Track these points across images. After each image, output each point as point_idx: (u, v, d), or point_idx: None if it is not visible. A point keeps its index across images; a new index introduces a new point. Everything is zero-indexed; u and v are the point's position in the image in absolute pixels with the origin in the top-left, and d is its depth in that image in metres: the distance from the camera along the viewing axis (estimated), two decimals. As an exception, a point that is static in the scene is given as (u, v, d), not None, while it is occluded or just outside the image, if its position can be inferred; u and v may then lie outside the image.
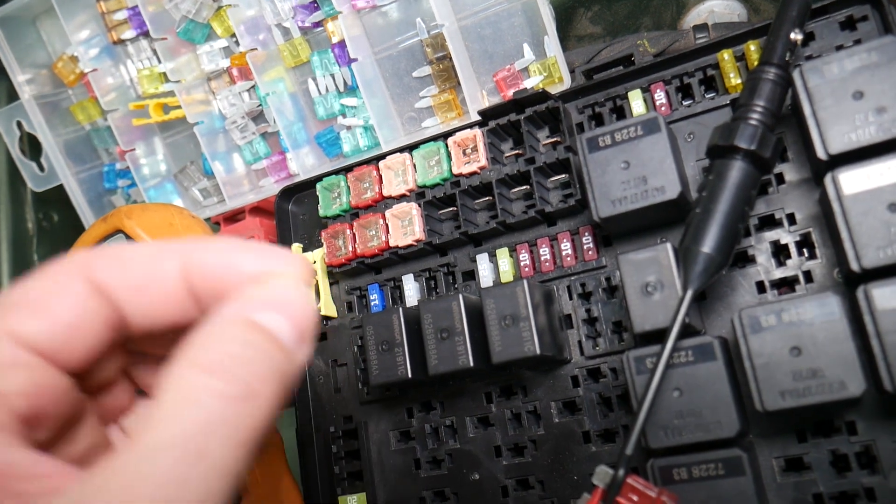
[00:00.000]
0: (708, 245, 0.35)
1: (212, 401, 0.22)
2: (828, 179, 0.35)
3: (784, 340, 0.34)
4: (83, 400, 0.28)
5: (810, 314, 0.34)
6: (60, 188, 0.63)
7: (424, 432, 0.47)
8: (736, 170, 0.36)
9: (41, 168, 0.61)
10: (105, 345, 0.26)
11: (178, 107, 0.58)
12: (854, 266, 0.34)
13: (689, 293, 0.35)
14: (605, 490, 0.33)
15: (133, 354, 0.30)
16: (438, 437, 0.47)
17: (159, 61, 0.58)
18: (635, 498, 0.33)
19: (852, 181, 0.34)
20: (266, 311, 0.24)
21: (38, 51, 0.61)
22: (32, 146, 0.63)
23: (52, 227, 0.65)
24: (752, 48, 0.41)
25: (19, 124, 0.61)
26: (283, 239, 0.53)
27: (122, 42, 0.59)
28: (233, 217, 0.59)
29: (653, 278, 0.37)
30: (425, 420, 0.47)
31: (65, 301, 0.25)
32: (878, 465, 0.36)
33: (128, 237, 0.48)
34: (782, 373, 0.34)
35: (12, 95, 0.66)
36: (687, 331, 0.37)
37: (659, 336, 0.36)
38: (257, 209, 0.58)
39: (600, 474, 0.34)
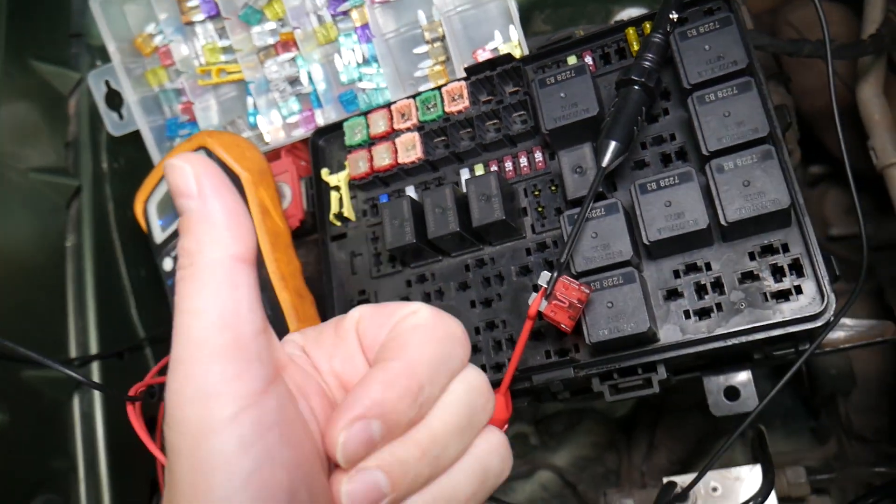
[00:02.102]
0: (613, 137, 0.55)
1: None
2: (689, 99, 0.55)
3: (661, 198, 0.54)
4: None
5: (677, 180, 0.54)
6: (127, 139, 0.81)
7: (419, 296, 0.65)
8: (632, 93, 0.56)
9: (121, 117, 0.79)
10: None
11: (232, 73, 0.77)
12: (703, 150, 0.54)
13: (602, 169, 0.54)
14: (546, 287, 0.52)
15: None
16: (429, 299, 0.65)
17: (219, 38, 0.77)
18: (564, 289, 0.52)
19: (703, 99, 0.55)
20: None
21: (122, 28, 0.79)
22: (108, 101, 0.80)
23: (121, 168, 0.82)
24: (648, 26, 0.62)
25: (106, 83, 0.79)
26: (316, 165, 0.71)
27: (191, 23, 0.78)
28: (271, 158, 0.77)
29: (580, 164, 0.57)
30: (420, 288, 0.65)
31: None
32: (724, 288, 0.55)
33: (208, 151, 0.66)
34: (660, 217, 0.54)
35: (90, 65, 0.84)
36: (600, 197, 0.57)
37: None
38: (290, 151, 0.77)
39: (544, 277, 0.52)
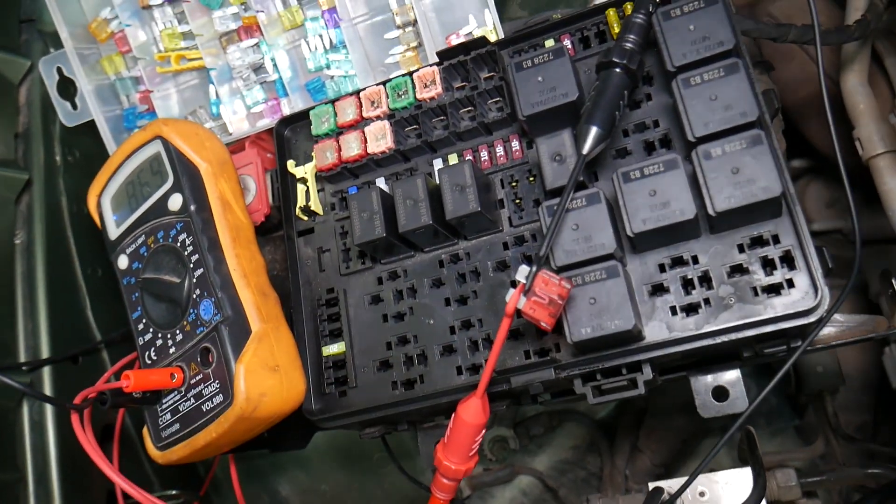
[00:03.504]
0: (594, 122, 0.51)
1: None
2: (674, 82, 0.52)
3: (646, 186, 0.51)
4: None
5: (662, 168, 0.51)
6: (82, 129, 0.76)
7: (391, 294, 0.61)
8: (613, 76, 0.53)
9: (74, 107, 0.75)
10: None
11: (193, 59, 0.73)
12: (689, 136, 0.51)
13: (582, 156, 0.51)
14: (524, 282, 0.48)
15: None
16: (402, 297, 0.61)
17: (179, 23, 0.73)
18: (544, 285, 0.48)
19: (688, 82, 0.52)
20: None
21: (75, 12, 0.75)
22: (62, 90, 0.76)
23: (76, 161, 0.77)
24: (629, 7, 0.59)
25: (59, 70, 0.74)
26: (281, 156, 0.67)
27: (149, 7, 0.73)
28: (235, 150, 0.73)
29: (559, 151, 0.54)
30: (392, 286, 0.62)
31: None
32: (712, 283, 0.52)
33: (164, 140, 0.62)
34: (644, 207, 0.50)
35: (42, 51, 0.79)
36: (581, 186, 0.54)
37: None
38: (255, 142, 0.73)
39: (522, 271, 0.49)
